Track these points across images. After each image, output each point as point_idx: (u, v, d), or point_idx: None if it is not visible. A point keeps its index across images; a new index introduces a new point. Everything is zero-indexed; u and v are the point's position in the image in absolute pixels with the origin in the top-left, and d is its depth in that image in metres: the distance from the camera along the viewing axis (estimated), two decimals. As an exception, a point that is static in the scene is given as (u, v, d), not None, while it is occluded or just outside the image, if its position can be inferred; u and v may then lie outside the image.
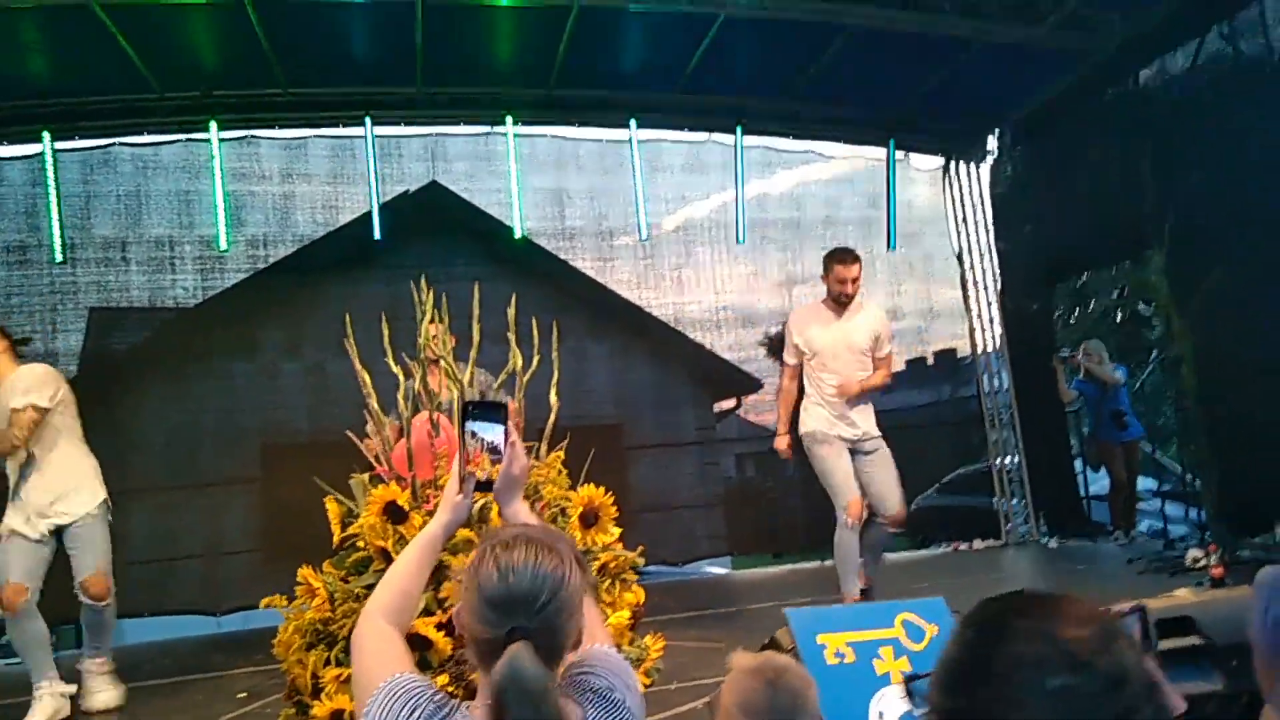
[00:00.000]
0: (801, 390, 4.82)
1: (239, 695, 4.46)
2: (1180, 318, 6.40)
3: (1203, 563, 5.45)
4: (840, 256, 4.69)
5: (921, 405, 11.81)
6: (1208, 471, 6.36)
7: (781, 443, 4.88)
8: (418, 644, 2.28)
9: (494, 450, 1.64)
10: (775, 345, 7.78)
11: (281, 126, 7.28)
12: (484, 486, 1.66)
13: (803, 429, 4.76)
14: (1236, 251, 5.94)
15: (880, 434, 4.74)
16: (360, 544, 2.50)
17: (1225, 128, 6.02)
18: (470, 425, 1.64)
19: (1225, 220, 5.97)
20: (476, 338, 2.85)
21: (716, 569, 8.92)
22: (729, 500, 9.49)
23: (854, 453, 4.68)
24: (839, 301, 4.66)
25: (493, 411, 1.67)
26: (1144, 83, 6.72)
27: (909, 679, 1.26)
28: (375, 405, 2.71)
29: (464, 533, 2.36)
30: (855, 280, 4.64)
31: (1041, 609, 0.94)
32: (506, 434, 1.65)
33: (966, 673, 0.94)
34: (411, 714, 1.32)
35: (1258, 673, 1.25)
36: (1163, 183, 6.30)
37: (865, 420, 4.71)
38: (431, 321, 2.90)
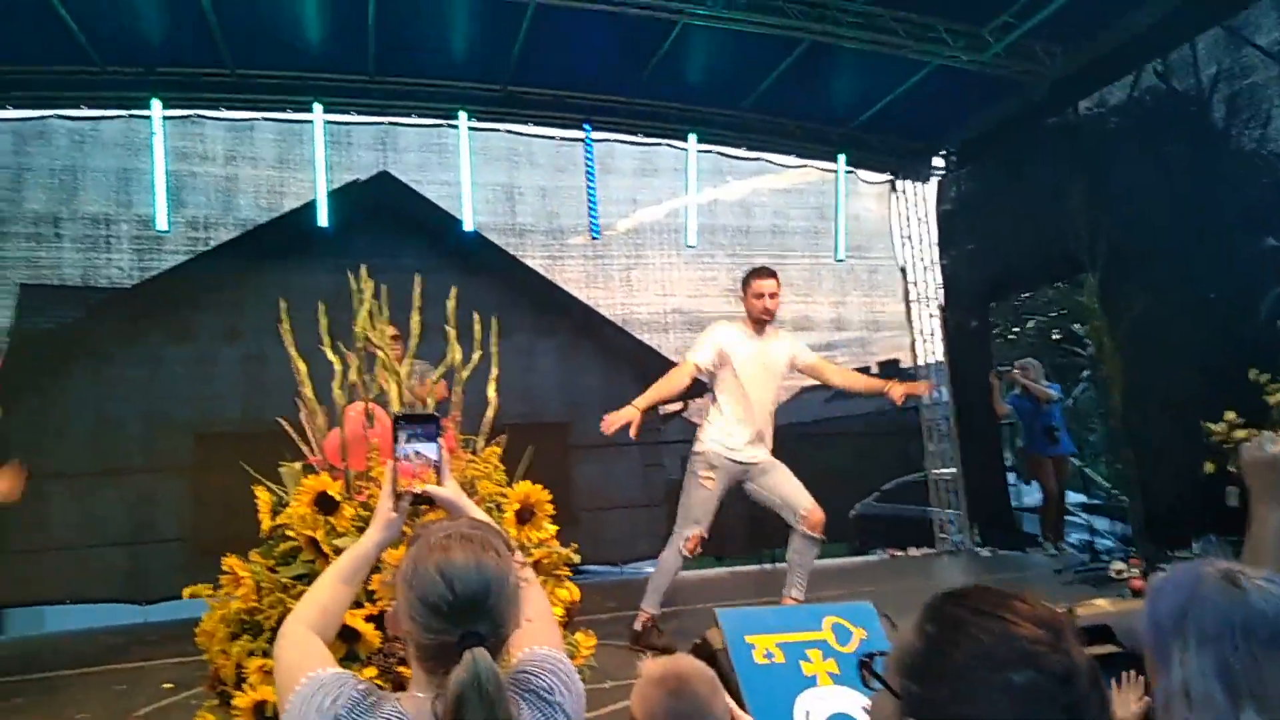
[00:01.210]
0: (687, 397, 4.83)
1: (164, 685, 4.35)
2: (1111, 339, 6.61)
3: (1125, 575, 5.65)
4: (756, 272, 4.72)
5: (864, 414, 11.98)
6: (1132, 488, 6.58)
7: (620, 417, 4.35)
8: (346, 636, 2.25)
9: (435, 465, 1.64)
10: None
11: (227, 108, 7.09)
12: (421, 500, 1.65)
13: (699, 445, 4.75)
14: (1163, 278, 6.17)
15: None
16: (290, 533, 2.45)
17: (1157, 160, 6.26)
18: (404, 440, 1.63)
19: (1153, 248, 6.20)
20: (416, 330, 2.83)
21: (657, 570, 8.93)
22: (672, 501, 9.47)
23: (749, 477, 4.72)
24: (758, 321, 4.67)
25: (427, 424, 1.67)
26: (1083, 112, 6.95)
27: (867, 657, 1.32)
28: (309, 394, 2.67)
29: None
30: (774, 296, 4.64)
31: (998, 606, 1.00)
32: (440, 448, 1.65)
33: (926, 664, 1.01)
34: (334, 702, 1.31)
35: (1147, 670, 1.31)
36: (1097, 209, 6.51)
37: (766, 445, 4.74)
38: (383, 320, 2.88)
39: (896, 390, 4.66)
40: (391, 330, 3.09)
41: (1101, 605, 3.62)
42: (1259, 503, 1.69)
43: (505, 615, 1.33)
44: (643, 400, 4.53)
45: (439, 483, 1.65)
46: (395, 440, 1.63)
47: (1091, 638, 3.22)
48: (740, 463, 4.67)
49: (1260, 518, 1.67)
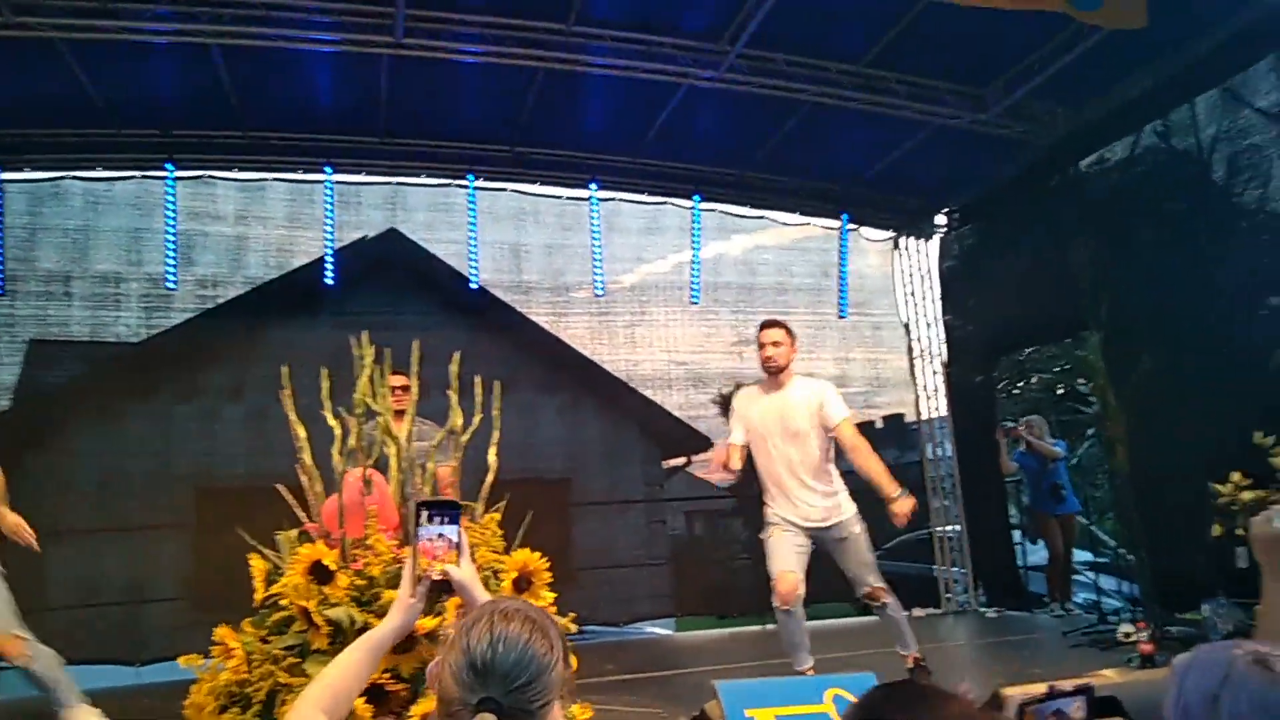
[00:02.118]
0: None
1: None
2: (1116, 398, 6.59)
3: (1134, 638, 5.54)
4: (760, 326, 4.73)
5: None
6: (1139, 548, 6.50)
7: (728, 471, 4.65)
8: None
9: (456, 549, 1.67)
10: (725, 403, 7.83)
11: (240, 169, 7.20)
12: (442, 587, 1.66)
13: (766, 516, 4.68)
14: (1167, 336, 6.17)
15: (853, 513, 4.64)
16: (284, 603, 2.44)
17: (1159, 218, 6.31)
18: (425, 526, 1.65)
19: (1157, 305, 6.21)
20: (415, 394, 2.84)
21: (659, 630, 8.80)
22: (675, 559, 9.41)
23: (822, 539, 4.59)
24: (769, 373, 4.63)
25: (449, 509, 1.69)
26: (1084, 171, 7.02)
27: None
28: (308, 460, 2.67)
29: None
30: (776, 344, 4.58)
31: (930, 708, 0.99)
32: (460, 531, 1.68)
33: None
34: None
35: None
36: (1100, 267, 6.54)
37: (828, 503, 4.58)
38: (395, 373, 2.91)
39: (904, 506, 4.46)
40: (399, 380, 3.10)
41: (1109, 675, 3.56)
42: (1270, 578, 1.67)
43: (532, 704, 1.30)
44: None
45: (458, 564, 1.67)
46: (417, 524, 1.66)
47: (1100, 710, 3.15)
48: (808, 527, 4.57)
49: (1272, 592, 1.66)
